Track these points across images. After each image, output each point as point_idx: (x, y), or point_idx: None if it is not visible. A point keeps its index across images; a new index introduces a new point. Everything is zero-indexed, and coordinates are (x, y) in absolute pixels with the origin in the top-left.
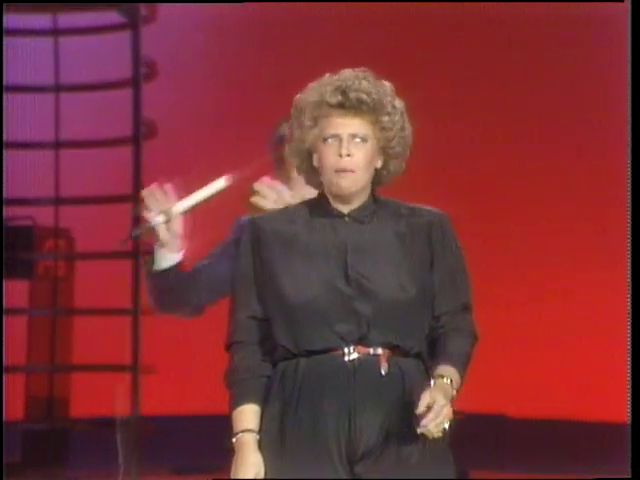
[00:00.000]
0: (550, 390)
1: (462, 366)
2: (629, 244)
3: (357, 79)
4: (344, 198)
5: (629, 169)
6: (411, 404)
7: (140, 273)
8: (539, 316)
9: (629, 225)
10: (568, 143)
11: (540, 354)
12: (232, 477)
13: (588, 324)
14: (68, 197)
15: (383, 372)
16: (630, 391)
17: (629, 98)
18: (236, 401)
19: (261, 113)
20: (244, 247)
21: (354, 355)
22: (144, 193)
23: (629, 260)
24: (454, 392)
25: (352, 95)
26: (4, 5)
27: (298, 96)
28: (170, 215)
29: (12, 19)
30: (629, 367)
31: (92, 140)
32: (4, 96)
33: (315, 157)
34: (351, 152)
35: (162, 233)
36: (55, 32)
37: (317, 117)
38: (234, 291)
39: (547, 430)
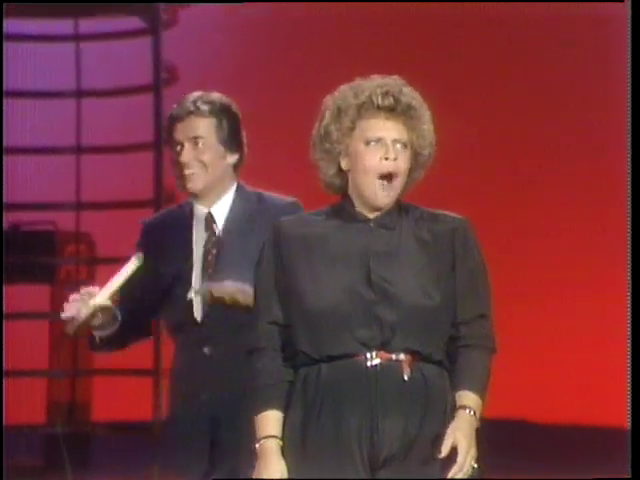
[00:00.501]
0: (550, 392)
1: (483, 388)
2: (629, 244)
3: (398, 85)
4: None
5: (629, 169)
6: (433, 410)
7: None
8: (539, 316)
9: (629, 225)
10: (568, 143)
11: (539, 355)
12: None
13: (588, 325)
14: (89, 202)
15: (406, 377)
16: (630, 394)
17: (629, 98)
18: (259, 407)
19: (282, 115)
20: (266, 252)
21: (376, 361)
22: (69, 301)
23: (629, 260)
24: (478, 423)
25: (404, 100)
26: (4, 6)
27: (333, 97)
28: (96, 307)
29: (32, 25)
30: (629, 369)
31: (113, 145)
32: (14, 101)
33: (345, 160)
34: (397, 156)
35: (94, 322)
36: (76, 37)
37: (357, 119)
38: (256, 297)
39: (547, 433)
